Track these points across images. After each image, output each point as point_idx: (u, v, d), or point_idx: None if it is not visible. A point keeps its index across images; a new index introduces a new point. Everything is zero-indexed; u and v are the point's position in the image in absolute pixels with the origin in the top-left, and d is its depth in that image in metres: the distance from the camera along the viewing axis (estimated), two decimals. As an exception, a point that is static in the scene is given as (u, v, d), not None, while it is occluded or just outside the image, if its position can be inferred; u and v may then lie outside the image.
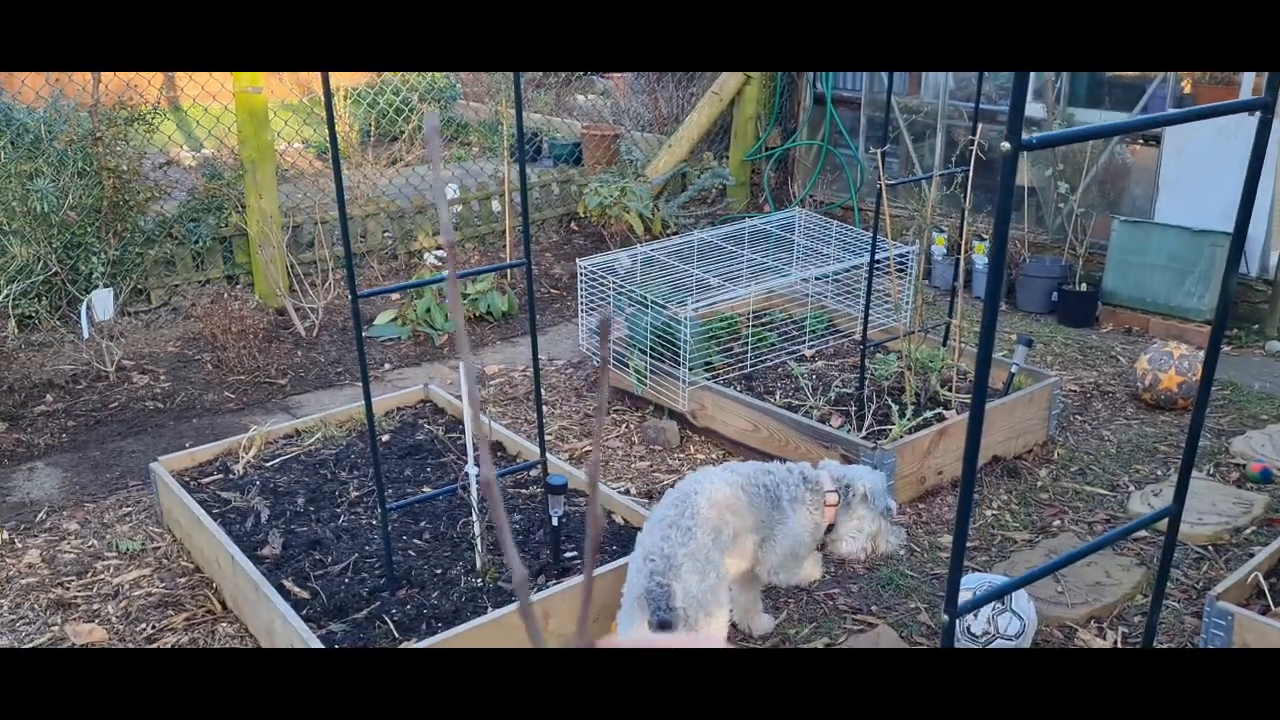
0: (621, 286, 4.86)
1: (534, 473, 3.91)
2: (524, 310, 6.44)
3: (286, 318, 6.05)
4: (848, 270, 5.21)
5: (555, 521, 3.32)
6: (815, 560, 3.24)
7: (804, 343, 5.06)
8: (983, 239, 6.52)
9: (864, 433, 4.18)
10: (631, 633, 3.08)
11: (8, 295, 5.49)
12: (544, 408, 5.01)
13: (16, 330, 5.50)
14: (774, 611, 3.41)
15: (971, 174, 4.14)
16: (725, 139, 8.26)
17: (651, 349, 4.67)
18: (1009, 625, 3.14)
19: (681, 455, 4.54)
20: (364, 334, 6.01)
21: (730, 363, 4.82)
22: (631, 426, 4.79)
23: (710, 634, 2.91)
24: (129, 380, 5.37)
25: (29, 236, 5.50)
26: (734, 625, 3.33)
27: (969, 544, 3.87)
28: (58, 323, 5.74)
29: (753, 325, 5.02)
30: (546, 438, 4.67)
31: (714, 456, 4.49)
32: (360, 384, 5.32)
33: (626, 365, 4.79)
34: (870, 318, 4.46)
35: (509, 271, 6.61)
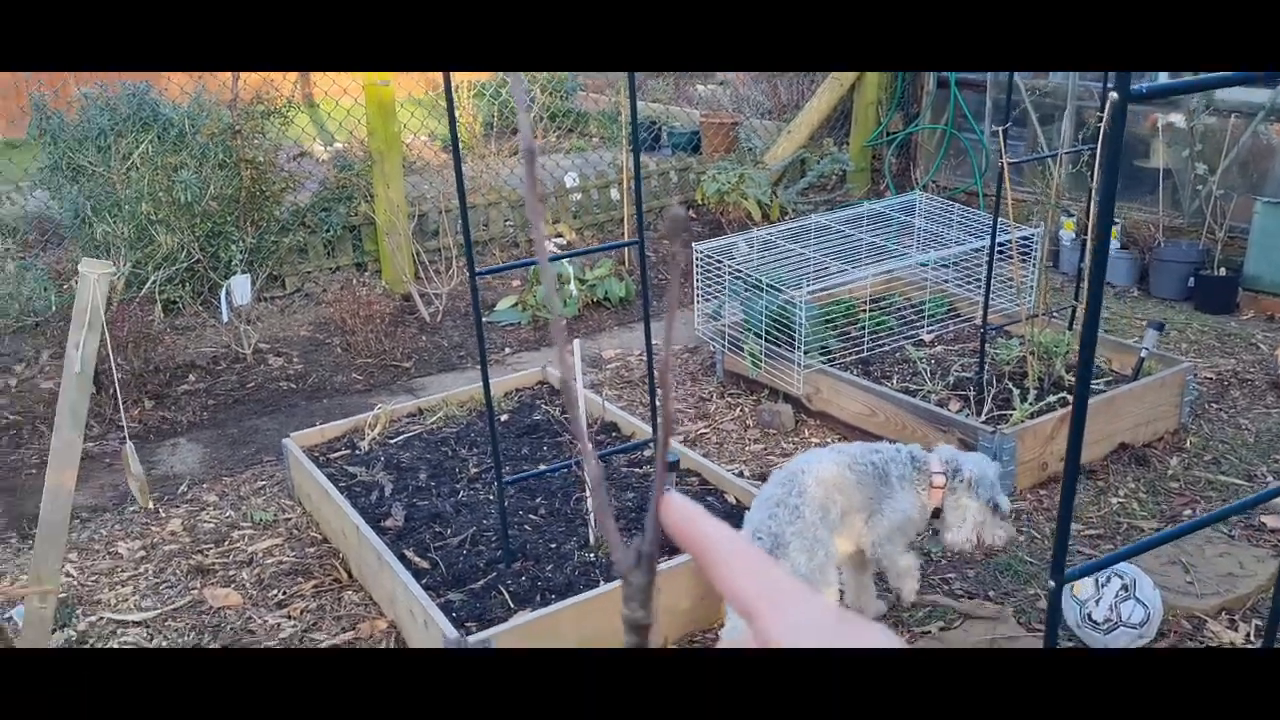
0: (737, 270, 4.87)
1: (648, 452, 3.95)
2: (640, 297, 6.49)
3: (412, 303, 6.23)
4: (968, 254, 5.10)
5: (667, 498, 3.35)
6: (915, 570, 3.18)
7: (922, 327, 4.98)
8: (1115, 222, 6.29)
9: (983, 417, 4.09)
10: (729, 625, 3.09)
11: (155, 281, 5.80)
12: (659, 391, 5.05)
13: (162, 315, 5.80)
14: (886, 596, 3.38)
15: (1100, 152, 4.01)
16: (846, 124, 8.16)
17: (767, 333, 4.66)
18: (1133, 613, 3.04)
19: (796, 439, 4.52)
20: (485, 319, 6.15)
21: (847, 347, 4.78)
22: (746, 410, 4.79)
23: None
24: (265, 362, 5.62)
25: (174, 226, 5.80)
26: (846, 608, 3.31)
27: (1093, 531, 3.76)
28: (200, 307, 6.04)
29: (870, 310, 4.96)
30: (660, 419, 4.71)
31: (828, 440, 4.46)
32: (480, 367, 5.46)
33: (741, 349, 4.79)
34: (992, 302, 4.36)
35: (627, 258, 6.68)
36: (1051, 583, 1.51)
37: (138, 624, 3.52)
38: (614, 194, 7.40)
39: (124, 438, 4.10)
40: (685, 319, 6.08)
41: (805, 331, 4.51)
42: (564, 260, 6.20)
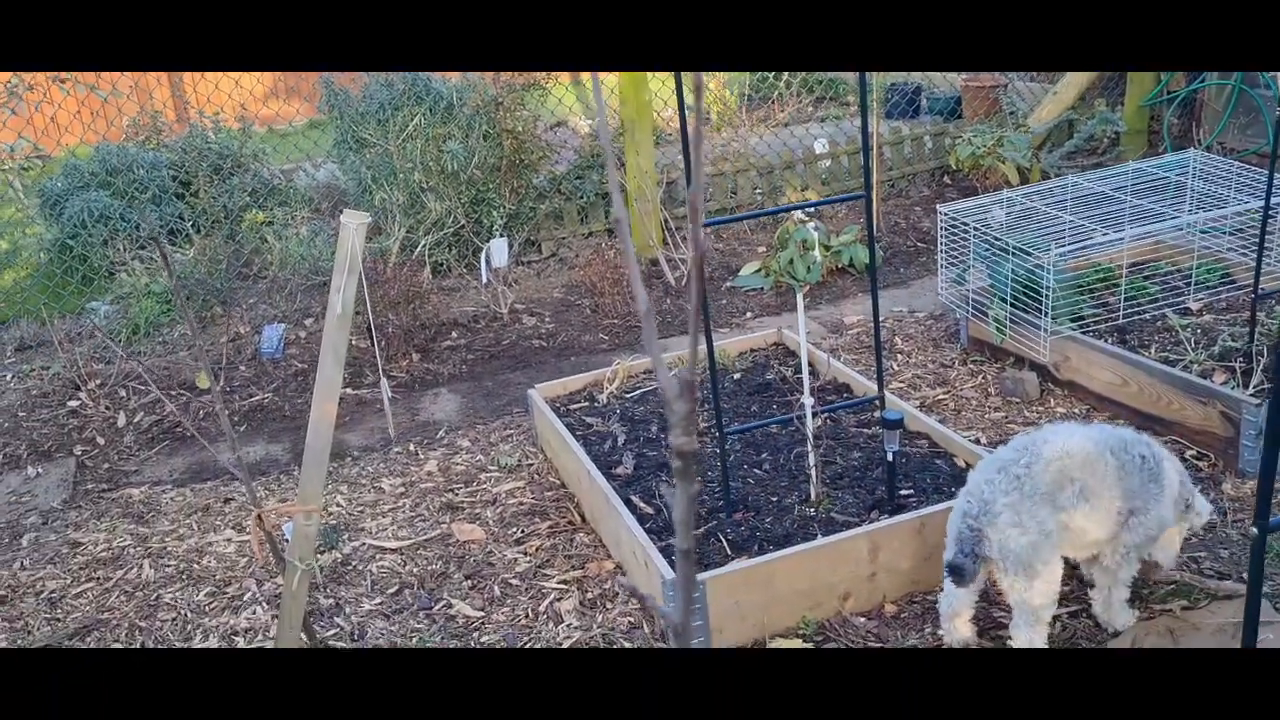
0: (983, 232, 4.70)
1: (876, 412, 3.90)
2: (886, 264, 6.38)
3: (658, 268, 6.40)
4: (1242, 215, 4.68)
5: (890, 457, 3.31)
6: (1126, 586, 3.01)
7: (1188, 295, 4.63)
8: None
9: (1250, 390, 3.77)
10: (947, 590, 3.02)
11: (424, 246, 6.25)
12: (900, 357, 4.96)
13: (431, 276, 6.24)
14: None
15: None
16: (1120, 84, 7.64)
17: (1015, 299, 4.48)
18: None
19: (1040, 408, 4.33)
20: (729, 284, 6.23)
21: (1101, 315, 4.51)
22: (989, 378, 4.63)
23: (1028, 599, 2.77)
24: (519, 321, 5.94)
25: (442, 193, 6.22)
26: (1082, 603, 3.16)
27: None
28: (464, 269, 6.45)
29: (1130, 276, 4.66)
30: (899, 384, 4.64)
31: (1076, 411, 4.24)
32: (722, 330, 5.53)
33: (986, 315, 4.62)
34: (1272, 268, 4.00)
35: (877, 225, 6.57)
36: (1255, 529, 1.42)
37: (393, 551, 3.85)
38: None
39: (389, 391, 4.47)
40: (932, 286, 5.92)
41: (1054, 296, 4.30)
42: (810, 226, 6.17)
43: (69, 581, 3.84)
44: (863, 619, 3.19)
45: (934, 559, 3.21)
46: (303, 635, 3.22)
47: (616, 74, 6.42)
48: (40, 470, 4.77)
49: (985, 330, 4.70)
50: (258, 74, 7.42)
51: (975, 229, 4.70)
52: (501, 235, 6.00)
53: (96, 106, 7.29)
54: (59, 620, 3.63)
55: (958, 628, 3.00)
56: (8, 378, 5.73)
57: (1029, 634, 2.83)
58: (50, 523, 4.28)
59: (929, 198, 7.35)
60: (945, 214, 4.86)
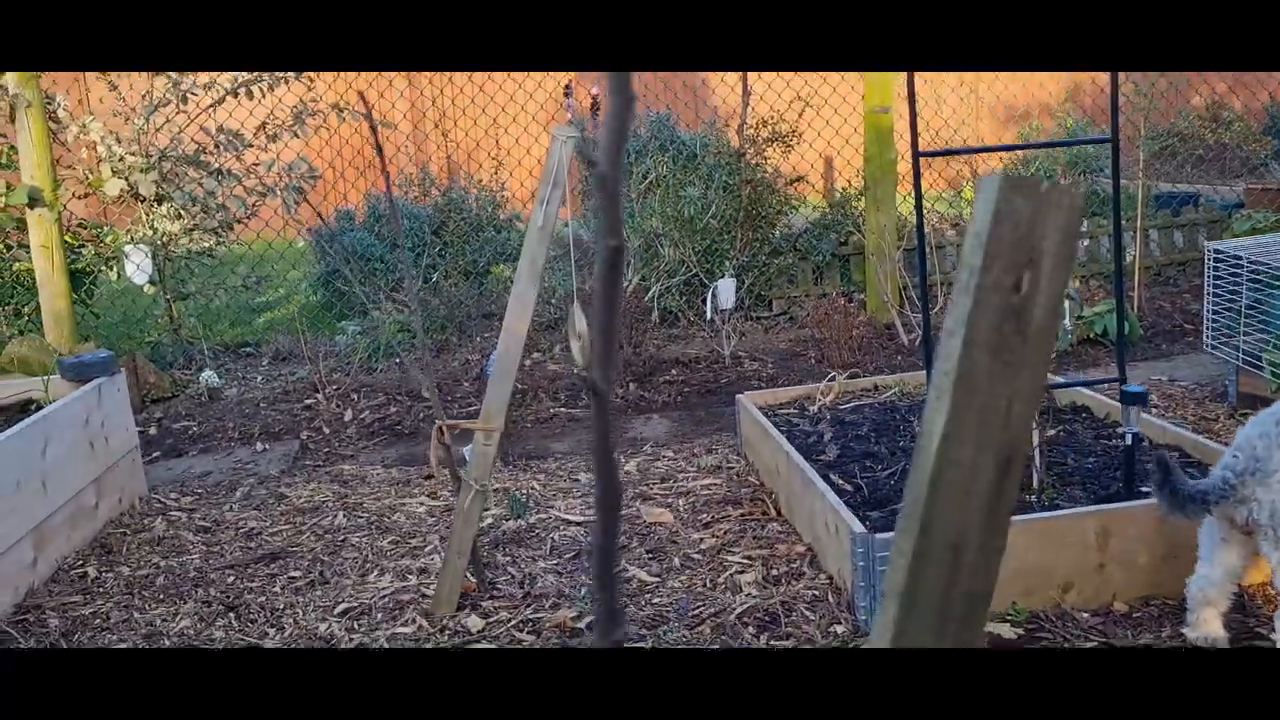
0: (1260, 266, 4.19)
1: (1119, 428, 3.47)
2: (1148, 340, 5.84)
3: (893, 330, 6.12)
4: None
5: (1129, 439, 2.90)
6: None
7: None
8: None
9: None
10: (1204, 566, 2.57)
11: (655, 293, 6.27)
12: (1154, 412, 4.45)
13: (659, 320, 6.23)
14: None
15: None
16: None
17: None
18: None
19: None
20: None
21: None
22: (1261, 428, 4.04)
23: None
24: (740, 365, 5.80)
25: (676, 240, 6.25)
26: None
27: None
28: (691, 317, 6.41)
29: None
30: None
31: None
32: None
33: (1260, 364, 4.09)
34: None
35: (1136, 298, 6.08)
36: None
37: (577, 523, 3.70)
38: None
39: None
40: (1194, 361, 5.35)
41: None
42: (1065, 297, 5.76)
43: (268, 523, 3.92)
44: (1086, 614, 2.74)
45: (1181, 560, 2.74)
46: (469, 566, 3.11)
47: (861, 132, 6.33)
48: (267, 447, 4.98)
49: (1259, 383, 4.15)
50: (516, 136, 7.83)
51: (1251, 262, 4.21)
52: (731, 275, 5.93)
53: (370, 158, 7.89)
54: (251, 548, 3.69)
55: (1207, 620, 2.52)
56: (259, 380, 6.11)
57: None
58: (265, 483, 4.43)
59: (1199, 288, 6.73)
60: (1214, 250, 4.39)
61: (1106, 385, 3.81)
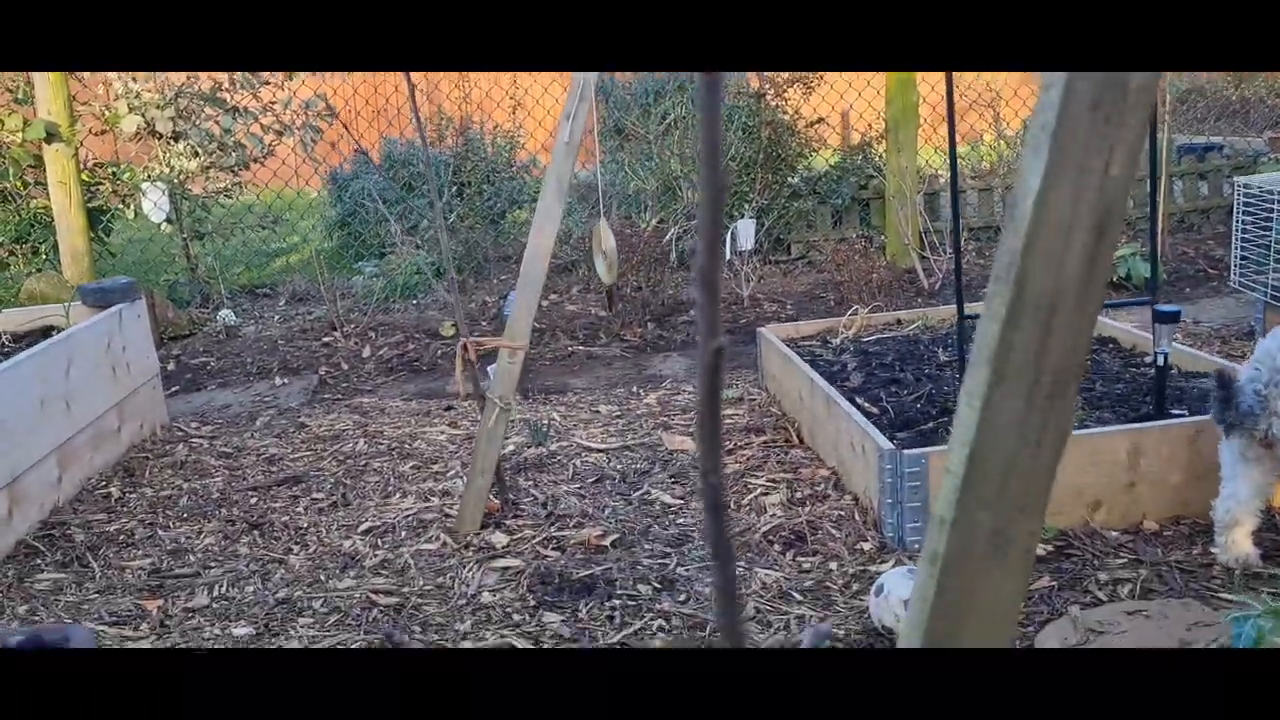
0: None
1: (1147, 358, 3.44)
2: (1170, 285, 5.79)
3: (913, 275, 6.07)
4: None
5: (1160, 360, 2.87)
6: None
7: None
8: None
9: None
10: (1230, 484, 2.55)
11: (673, 235, 6.23)
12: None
13: (677, 262, 6.20)
14: None
15: None
16: None
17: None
18: None
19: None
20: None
21: None
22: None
23: None
24: (758, 307, 5.77)
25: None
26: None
27: None
28: (709, 261, 6.37)
29: None
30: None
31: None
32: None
33: (1289, 296, 4.04)
34: None
35: (1160, 244, 6.03)
36: None
37: (600, 450, 3.70)
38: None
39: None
40: (1219, 304, 5.31)
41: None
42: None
43: (289, 450, 3.92)
44: (1115, 533, 2.73)
45: (1211, 479, 2.72)
46: (493, 486, 3.11)
47: (884, 74, 6.26)
48: (286, 381, 4.98)
49: (1287, 319, 4.10)
50: (536, 77, 7.76)
51: (1280, 197, 4.15)
52: (750, 217, 5.89)
53: (380, 105, 7.84)
54: (273, 472, 3.69)
55: (1237, 541, 2.50)
56: (275, 319, 6.10)
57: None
58: (284, 414, 4.43)
59: (1223, 235, 6.67)
60: (1243, 185, 4.34)
61: (1132, 312, 3.77)
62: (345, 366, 5.16)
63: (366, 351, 5.34)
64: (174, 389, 4.90)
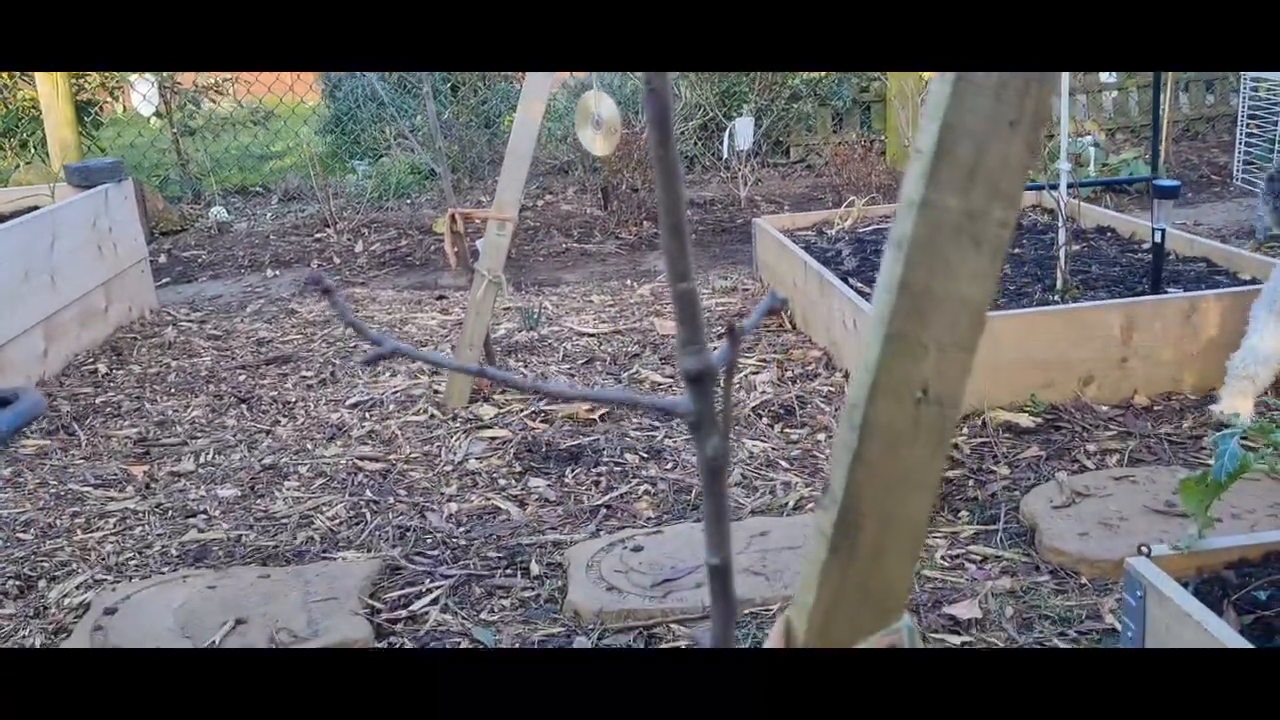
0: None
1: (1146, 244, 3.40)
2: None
3: (911, 178, 6.00)
4: None
5: (1159, 237, 2.83)
6: None
7: None
8: None
9: None
10: (1253, 337, 2.52)
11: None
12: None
13: (673, 164, 6.11)
14: None
15: None
16: None
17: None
18: None
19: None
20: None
21: None
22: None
23: None
24: (756, 207, 5.70)
25: (694, 82, 6.10)
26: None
27: None
28: (709, 161, 6.29)
29: None
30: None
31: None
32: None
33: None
34: None
35: (1163, 151, 5.95)
36: None
37: (591, 335, 3.67)
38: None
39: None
40: (1221, 209, 5.25)
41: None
42: (1087, 141, 5.63)
43: (279, 333, 3.90)
44: (1106, 407, 2.71)
45: (1205, 356, 2.70)
46: (482, 354, 3.09)
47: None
48: (277, 274, 4.94)
49: (1289, 216, 4.04)
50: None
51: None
52: (749, 114, 5.79)
53: None
54: (262, 352, 3.67)
55: (1241, 394, 2.48)
56: (269, 216, 6.04)
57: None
58: (275, 303, 4.39)
59: (1228, 143, 6.58)
60: (1251, 78, 4.25)
61: (1134, 190, 3.72)
62: (338, 260, 5.12)
63: (359, 247, 5.29)
64: (165, 280, 4.86)
